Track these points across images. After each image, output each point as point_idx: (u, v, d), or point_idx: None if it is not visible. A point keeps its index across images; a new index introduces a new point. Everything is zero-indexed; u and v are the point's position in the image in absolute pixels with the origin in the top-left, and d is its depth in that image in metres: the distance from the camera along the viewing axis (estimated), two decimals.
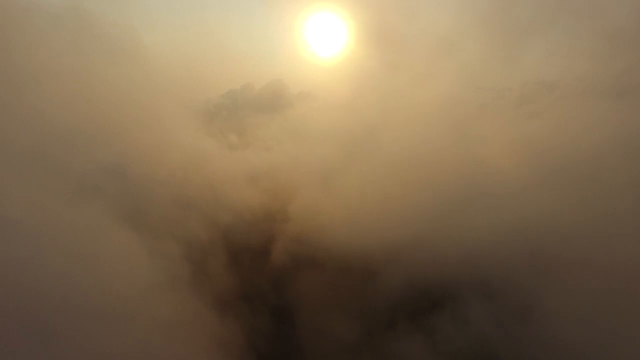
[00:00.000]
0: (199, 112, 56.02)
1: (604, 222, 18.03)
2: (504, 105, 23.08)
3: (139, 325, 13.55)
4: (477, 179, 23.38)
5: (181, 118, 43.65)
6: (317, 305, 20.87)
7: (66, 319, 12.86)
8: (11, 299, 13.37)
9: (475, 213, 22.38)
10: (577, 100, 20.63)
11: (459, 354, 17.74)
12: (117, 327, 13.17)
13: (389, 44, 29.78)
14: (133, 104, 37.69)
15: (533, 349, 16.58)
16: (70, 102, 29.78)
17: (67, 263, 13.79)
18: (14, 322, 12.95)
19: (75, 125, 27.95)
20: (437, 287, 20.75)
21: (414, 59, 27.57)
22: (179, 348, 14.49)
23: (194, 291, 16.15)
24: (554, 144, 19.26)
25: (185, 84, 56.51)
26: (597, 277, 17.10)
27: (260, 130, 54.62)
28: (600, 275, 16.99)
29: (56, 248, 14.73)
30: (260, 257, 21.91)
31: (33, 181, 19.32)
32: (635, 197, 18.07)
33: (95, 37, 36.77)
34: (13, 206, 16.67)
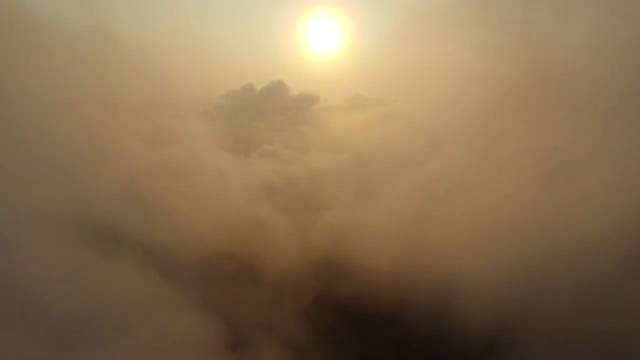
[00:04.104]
0: (205, 118, 52.88)
1: None
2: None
3: None
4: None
5: (192, 129, 40.63)
6: None
7: None
8: None
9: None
10: None
11: None
12: None
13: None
14: (144, 120, 34.39)
15: None
16: (83, 119, 26.83)
17: None
18: None
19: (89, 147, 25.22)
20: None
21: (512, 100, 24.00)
22: None
23: None
24: None
25: (189, 86, 53.08)
26: None
27: (271, 138, 51.90)
28: None
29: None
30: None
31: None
32: None
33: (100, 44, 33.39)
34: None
